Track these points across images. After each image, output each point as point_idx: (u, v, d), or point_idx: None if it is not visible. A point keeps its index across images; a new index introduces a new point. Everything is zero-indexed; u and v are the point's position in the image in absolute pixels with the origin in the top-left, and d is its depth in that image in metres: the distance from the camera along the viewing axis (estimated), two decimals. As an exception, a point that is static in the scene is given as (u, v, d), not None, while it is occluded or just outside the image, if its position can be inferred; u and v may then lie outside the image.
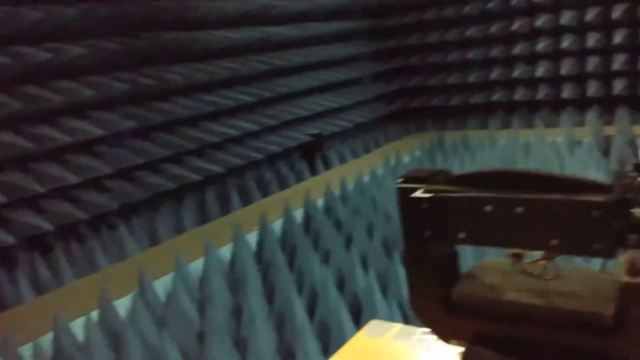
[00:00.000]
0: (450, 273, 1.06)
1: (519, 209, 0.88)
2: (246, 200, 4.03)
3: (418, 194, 0.99)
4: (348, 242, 3.06)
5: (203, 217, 3.75)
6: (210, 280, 2.65)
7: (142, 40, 3.75)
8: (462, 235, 0.94)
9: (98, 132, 3.38)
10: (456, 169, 4.06)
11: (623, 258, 0.80)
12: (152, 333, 2.28)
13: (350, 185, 4.00)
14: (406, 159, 4.74)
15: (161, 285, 2.68)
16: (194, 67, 4.09)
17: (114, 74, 3.57)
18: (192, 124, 4.10)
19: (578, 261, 1.02)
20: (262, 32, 4.63)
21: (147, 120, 3.72)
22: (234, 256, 2.94)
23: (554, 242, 0.85)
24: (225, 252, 3.03)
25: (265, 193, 4.19)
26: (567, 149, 4.30)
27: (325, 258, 2.93)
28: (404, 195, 1.01)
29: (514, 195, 0.88)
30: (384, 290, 2.54)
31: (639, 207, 0.79)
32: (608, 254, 0.82)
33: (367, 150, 5.32)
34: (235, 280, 2.74)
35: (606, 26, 5.05)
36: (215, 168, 4.05)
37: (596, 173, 3.66)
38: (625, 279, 0.80)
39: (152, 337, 2.26)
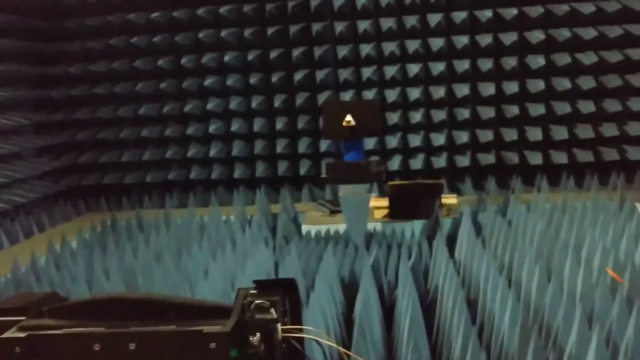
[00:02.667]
0: None
1: (132, 345, 0.74)
2: None
3: (11, 333, 0.78)
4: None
5: None
6: None
7: None
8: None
9: None
10: (128, 254, 3.82)
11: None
12: None
13: (2, 279, 3.41)
14: (74, 243, 4.30)
15: None
16: None
17: None
18: None
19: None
20: None
21: None
22: None
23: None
24: None
25: None
26: (239, 227, 4.46)
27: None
28: (-7, 333, 0.78)
29: (126, 330, 0.75)
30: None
31: (255, 334, 0.73)
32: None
33: (28, 235, 4.68)
34: None
35: (270, 113, 5.56)
36: None
37: (265, 250, 3.86)
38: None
39: None
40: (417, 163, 5.43)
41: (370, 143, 5.35)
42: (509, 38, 5.19)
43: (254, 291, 0.80)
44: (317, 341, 0.83)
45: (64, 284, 3.42)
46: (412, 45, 5.30)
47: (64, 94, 5.68)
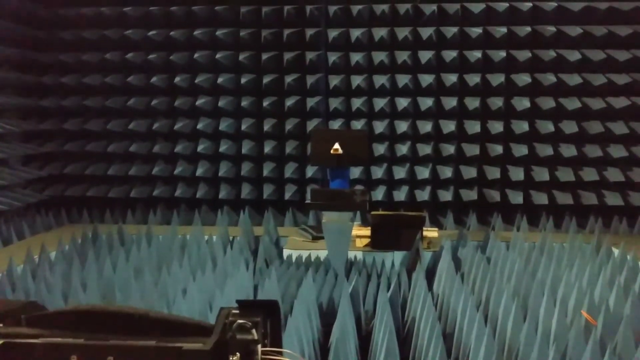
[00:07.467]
0: None
1: (110, 358, 0.76)
2: None
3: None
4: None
5: None
6: None
7: None
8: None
9: None
10: (107, 267, 3.80)
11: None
12: None
13: (-26, 287, 3.34)
14: (53, 254, 4.26)
15: None
16: None
17: None
18: None
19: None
20: None
21: None
22: None
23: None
24: None
25: None
26: (221, 247, 4.45)
27: None
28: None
29: (103, 342, 0.77)
30: None
31: (236, 354, 0.75)
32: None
33: (6, 243, 4.62)
34: None
35: (259, 137, 5.60)
36: None
37: (245, 272, 3.85)
38: None
39: None
40: (400, 195, 5.49)
41: (355, 172, 5.41)
42: (496, 79, 5.32)
43: (236, 311, 0.81)
44: (294, 365, 0.85)
45: (39, 294, 3.39)
46: (402, 79, 5.40)
47: (55, 104, 5.68)
